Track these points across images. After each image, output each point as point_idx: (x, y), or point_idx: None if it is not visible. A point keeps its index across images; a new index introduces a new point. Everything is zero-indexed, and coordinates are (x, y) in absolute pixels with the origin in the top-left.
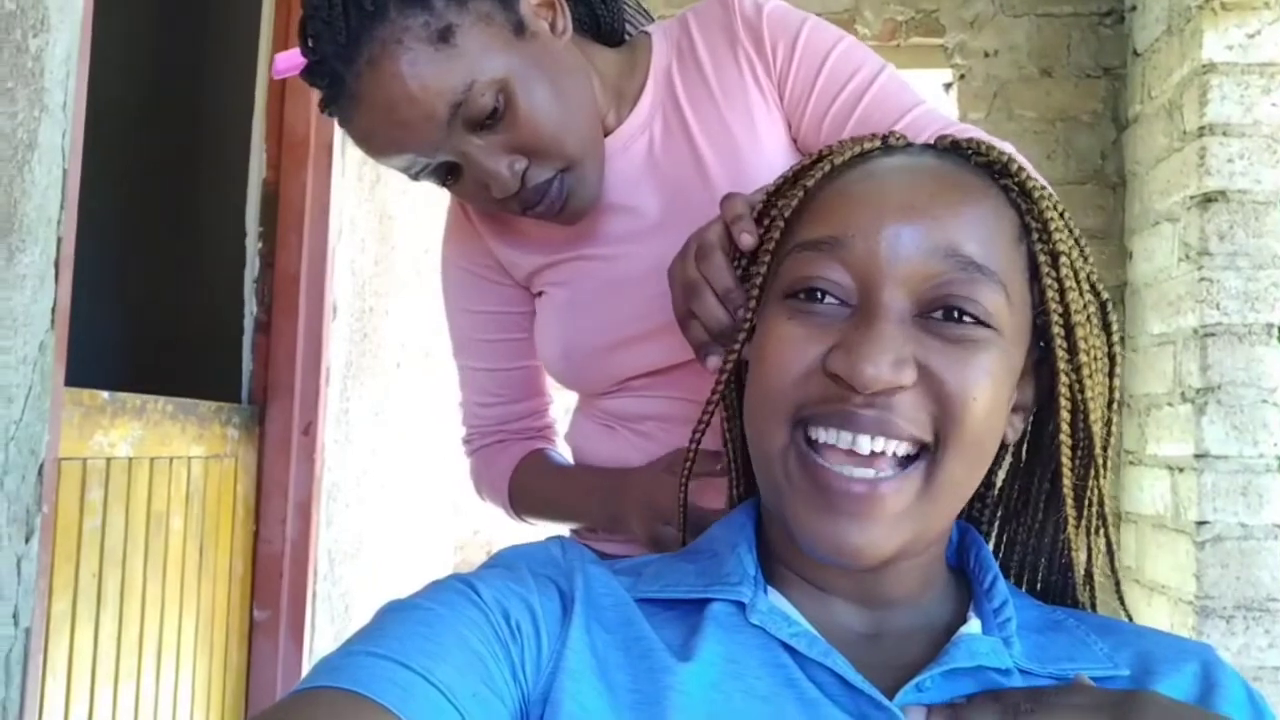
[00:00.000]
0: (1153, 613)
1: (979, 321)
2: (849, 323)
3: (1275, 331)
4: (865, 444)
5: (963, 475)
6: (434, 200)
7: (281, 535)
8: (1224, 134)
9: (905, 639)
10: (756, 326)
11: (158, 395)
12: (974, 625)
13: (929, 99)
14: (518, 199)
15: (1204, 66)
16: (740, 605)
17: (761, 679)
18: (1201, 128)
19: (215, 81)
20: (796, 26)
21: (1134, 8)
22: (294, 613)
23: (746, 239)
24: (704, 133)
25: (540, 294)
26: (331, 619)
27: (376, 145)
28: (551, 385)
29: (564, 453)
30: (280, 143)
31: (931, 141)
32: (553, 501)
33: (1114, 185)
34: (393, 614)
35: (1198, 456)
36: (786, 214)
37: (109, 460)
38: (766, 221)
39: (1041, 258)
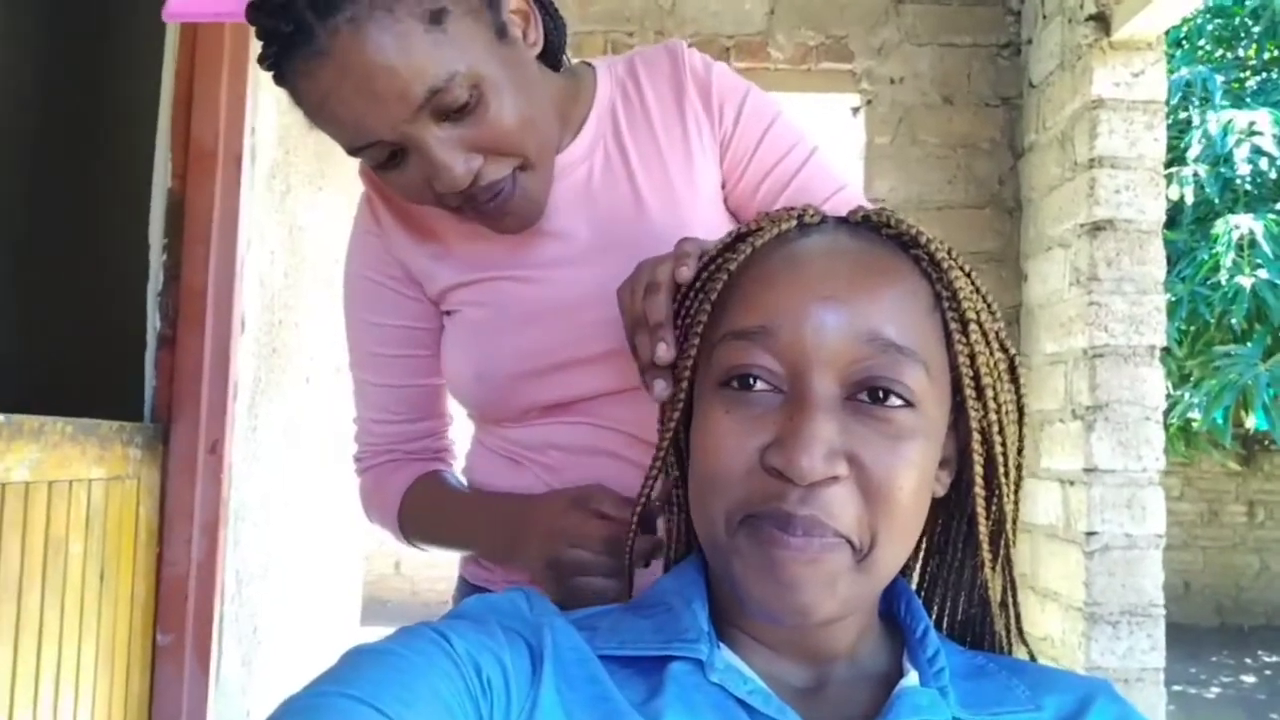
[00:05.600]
0: (1045, 618)
1: (904, 400)
2: (782, 412)
3: (1157, 353)
4: (798, 542)
5: (895, 556)
6: (346, 212)
7: (187, 557)
8: (1112, 166)
9: (847, 691)
10: (695, 411)
11: (57, 416)
12: (912, 677)
13: (851, 179)
14: (463, 195)
15: (1093, 102)
16: (698, 663)
17: None
18: (1091, 159)
19: (117, 89)
20: (743, 92)
21: (1029, 41)
22: (199, 636)
23: (685, 272)
24: (644, 172)
25: (452, 313)
26: (239, 640)
27: (330, 110)
28: (451, 405)
29: (461, 476)
30: (187, 152)
31: (845, 215)
32: (445, 526)
33: (1010, 210)
34: (365, 657)
35: (1086, 470)
36: (713, 297)
37: (4, 486)
38: (692, 303)
39: (953, 325)
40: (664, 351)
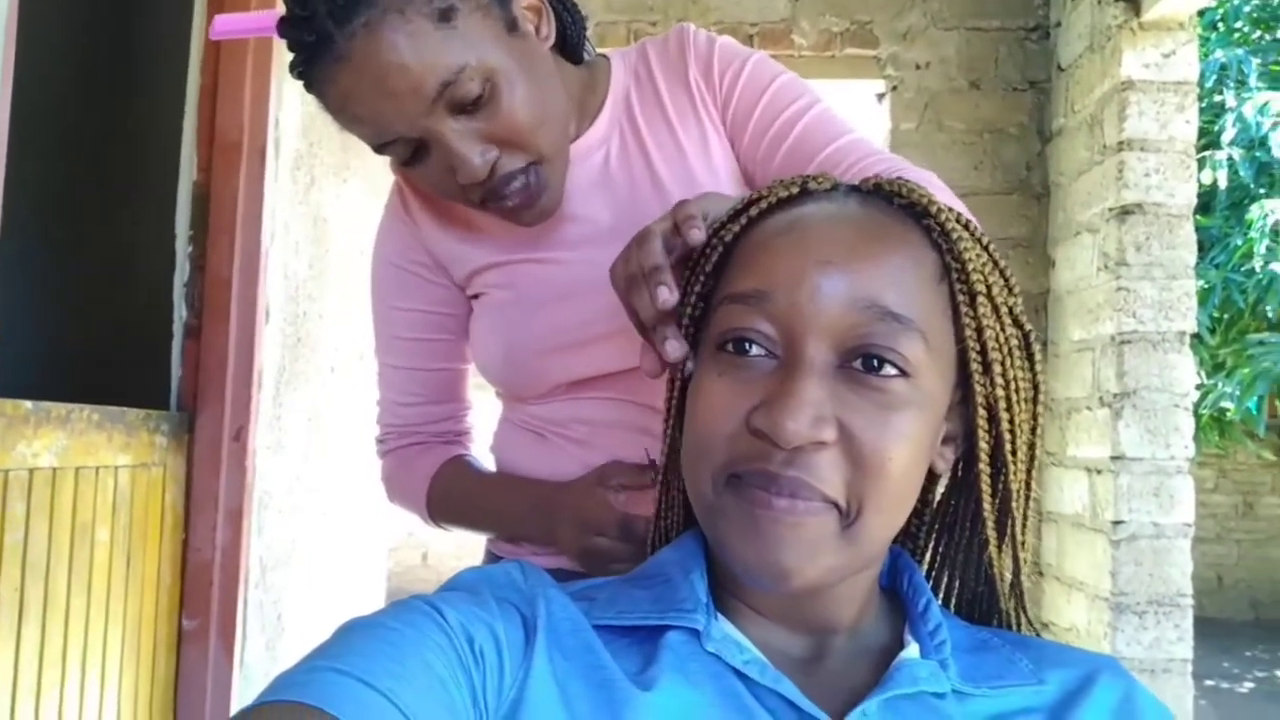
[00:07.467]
0: (1070, 608)
1: (899, 370)
2: (774, 376)
3: (1186, 339)
4: (783, 504)
5: (883, 526)
6: (370, 204)
7: (212, 543)
8: (1141, 149)
9: (846, 663)
10: (694, 372)
11: (84, 404)
12: (912, 649)
13: (858, 129)
14: (483, 188)
15: (1123, 84)
16: (694, 633)
17: (716, 706)
18: (1120, 143)
19: (145, 82)
20: (744, 58)
21: (1058, 24)
22: (224, 621)
23: (696, 234)
24: (660, 153)
25: (479, 295)
26: (262, 627)
27: (352, 110)
28: (472, 391)
29: (484, 459)
30: (212, 144)
31: (856, 183)
32: (478, 510)
33: (1038, 195)
34: (357, 631)
35: (1114, 458)
36: (708, 267)
37: (32, 471)
38: (692, 270)
39: (960, 298)
40: (666, 294)
